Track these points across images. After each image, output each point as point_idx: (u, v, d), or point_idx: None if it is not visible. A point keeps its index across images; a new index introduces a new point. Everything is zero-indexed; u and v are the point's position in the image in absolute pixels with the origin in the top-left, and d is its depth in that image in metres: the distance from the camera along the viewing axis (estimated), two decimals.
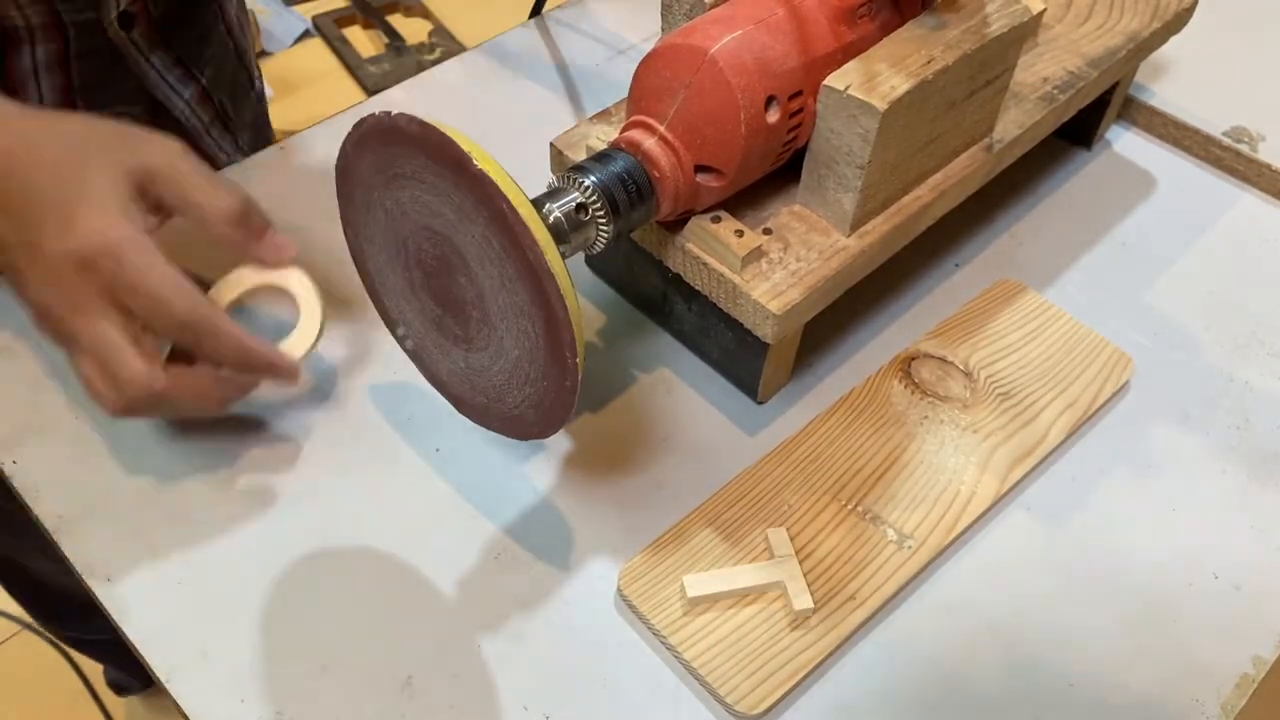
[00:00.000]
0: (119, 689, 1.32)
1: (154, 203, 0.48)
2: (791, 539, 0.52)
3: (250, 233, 0.51)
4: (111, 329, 0.46)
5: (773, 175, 0.55)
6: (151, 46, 0.68)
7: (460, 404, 0.51)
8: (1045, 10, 0.65)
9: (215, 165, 0.75)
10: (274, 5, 2.30)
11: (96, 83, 0.66)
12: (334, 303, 0.59)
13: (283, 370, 0.50)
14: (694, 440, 0.57)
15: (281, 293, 0.53)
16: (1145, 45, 0.66)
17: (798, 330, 0.56)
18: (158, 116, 0.71)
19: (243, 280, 0.53)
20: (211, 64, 0.74)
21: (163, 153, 0.48)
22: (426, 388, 0.53)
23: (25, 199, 0.45)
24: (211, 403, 0.50)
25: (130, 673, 1.29)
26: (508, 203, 0.39)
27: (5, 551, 0.92)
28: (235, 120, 0.77)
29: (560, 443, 0.56)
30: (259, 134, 0.82)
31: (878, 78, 0.50)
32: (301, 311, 0.53)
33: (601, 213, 0.48)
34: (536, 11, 0.81)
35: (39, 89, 0.63)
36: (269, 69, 2.18)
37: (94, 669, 1.33)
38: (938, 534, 0.53)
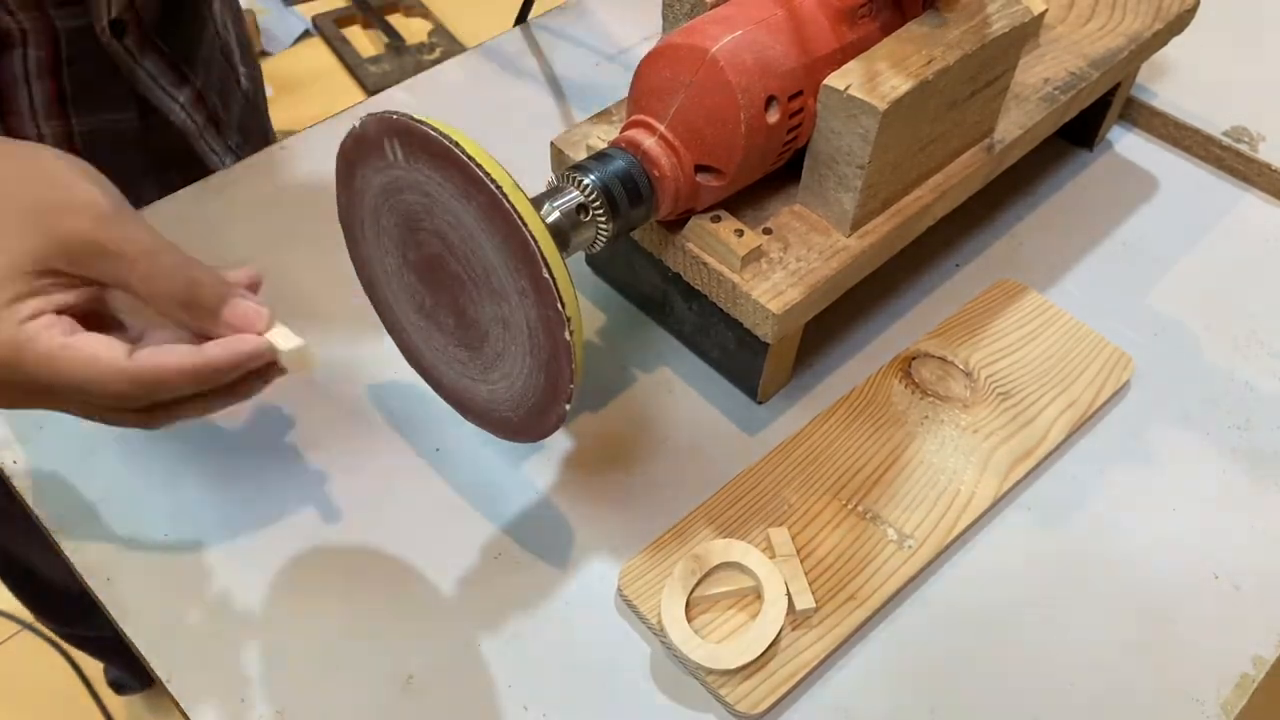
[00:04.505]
0: (119, 688, 1.32)
1: (85, 279, 0.41)
2: (792, 538, 0.52)
3: (204, 313, 0.42)
4: (58, 405, 0.42)
5: (773, 175, 0.55)
6: (143, 51, 0.68)
7: (458, 404, 0.51)
8: (1047, 11, 0.65)
9: (208, 168, 0.74)
10: (274, 5, 2.30)
11: (88, 89, 0.65)
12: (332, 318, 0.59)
13: (255, 357, 0.42)
14: (694, 440, 0.57)
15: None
16: (1147, 46, 0.66)
17: (798, 330, 0.56)
18: (150, 122, 0.70)
19: None
20: (203, 66, 0.73)
21: (81, 225, 0.39)
22: (426, 388, 0.53)
23: None
24: (220, 408, 0.44)
25: (131, 672, 1.29)
26: (508, 201, 0.39)
27: (7, 548, 0.92)
28: (225, 121, 0.77)
29: (560, 443, 0.56)
30: (246, 133, 0.82)
31: (878, 77, 0.50)
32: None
33: (601, 212, 0.48)
34: (522, 19, 0.81)
35: (30, 95, 0.63)
36: (269, 69, 2.18)
37: (94, 669, 1.33)
38: (938, 534, 0.53)
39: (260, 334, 0.43)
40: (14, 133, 0.64)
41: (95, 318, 0.42)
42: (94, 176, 0.42)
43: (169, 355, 0.41)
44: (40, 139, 0.65)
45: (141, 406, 0.42)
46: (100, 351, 0.40)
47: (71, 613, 1.06)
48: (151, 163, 0.72)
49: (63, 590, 0.97)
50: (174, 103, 0.71)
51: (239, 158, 0.78)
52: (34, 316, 0.39)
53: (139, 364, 0.40)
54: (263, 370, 0.44)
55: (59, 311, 0.40)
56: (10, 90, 0.62)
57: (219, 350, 0.41)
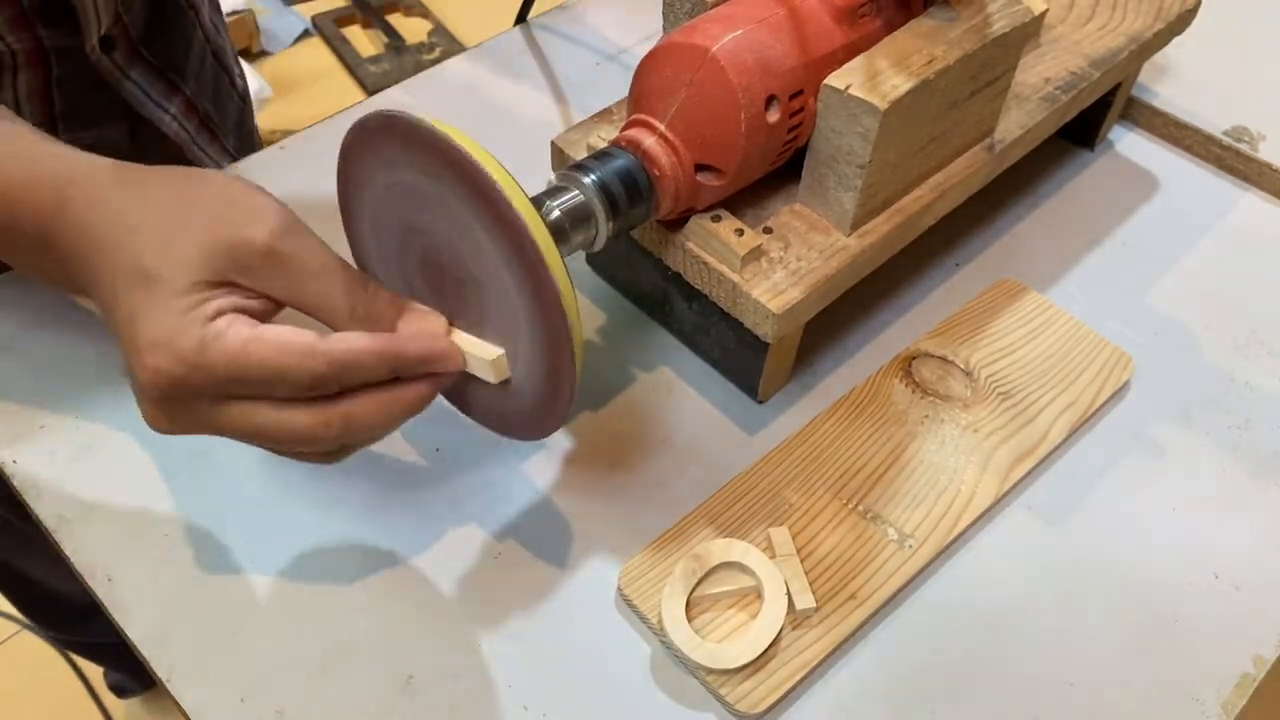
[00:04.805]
0: (120, 691, 1.32)
1: (260, 294, 0.41)
2: (792, 538, 0.52)
3: (382, 328, 0.42)
4: (241, 418, 0.40)
5: (773, 174, 0.55)
6: (131, 65, 0.67)
7: (459, 402, 0.51)
8: (1047, 10, 0.65)
9: None
10: (274, 5, 2.30)
11: (79, 107, 0.65)
12: None
13: (444, 359, 0.43)
14: (694, 440, 0.57)
15: None
16: (1148, 46, 0.66)
17: (798, 329, 0.56)
18: (141, 134, 0.69)
19: None
20: (194, 72, 0.73)
21: (259, 235, 0.39)
22: None
23: (104, 294, 0.40)
24: (402, 415, 0.43)
25: (131, 675, 1.28)
26: (507, 201, 0.39)
27: (4, 557, 0.92)
28: (220, 125, 0.77)
29: (560, 442, 0.56)
30: (243, 135, 0.81)
31: (879, 77, 0.50)
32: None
33: (601, 211, 0.48)
34: (522, 18, 0.81)
35: (20, 117, 0.63)
36: (269, 69, 2.18)
37: (94, 669, 1.33)
38: (938, 533, 0.53)
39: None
40: None
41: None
42: (267, 194, 0.42)
43: (361, 337, 0.40)
44: None
45: (326, 428, 0.40)
46: (292, 336, 0.39)
47: (70, 620, 1.06)
48: None
49: (63, 598, 0.97)
50: (165, 113, 0.70)
51: (236, 160, 0.78)
52: (217, 315, 0.39)
53: (332, 345, 0.39)
54: (444, 374, 0.43)
55: (240, 311, 0.40)
56: None
57: (411, 340, 0.42)
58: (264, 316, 0.41)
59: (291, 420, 0.40)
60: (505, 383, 0.45)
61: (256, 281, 0.40)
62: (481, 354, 0.44)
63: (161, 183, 0.41)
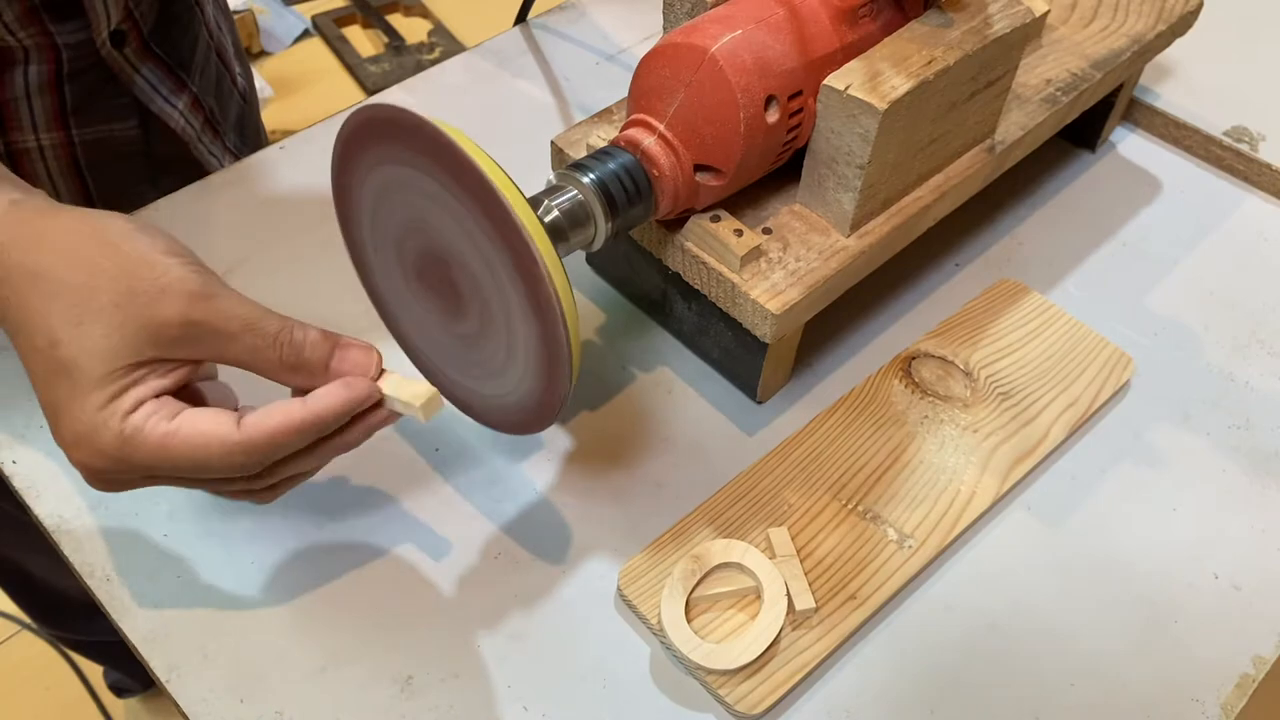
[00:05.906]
0: (119, 691, 1.32)
1: (182, 360, 0.41)
2: (792, 538, 0.52)
3: (314, 371, 0.42)
4: (175, 483, 0.42)
5: (773, 175, 0.55)
6: (142, 60, 0.68)
7: (458, 399, 0.51)
8: (1049, 11, 0.65)
9: (206, 171, 0.74)
10: (274, 5, 2.30)
11: (89, 101, 0.65)
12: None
13: (362, 400, 0.42)
14: (694, 440, 0.57)
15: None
16: (1150, 48, 0.66)
17: (797, 330, 0.56)
18: (150, 129, 0.70)
19: None
20: (199, 69, 0.73)
21: (176, 308, 0.39)
22: None
23: (23, 361, 0.40)
24: (333, 456, 0.44)
25: (130, 674, 1.28)
26: (503, 200, 0.39)
27: (6, 553, 0.92)
28: (222, 123, 0.77)
29: (560, 442, 0.56)
30: (244, 132, 0.82)
31: (878, 77, 0.50)
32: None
33: (600, 211, 0.48)
34: (522, 18, 0.81)
35: (31, 111, 0.63)
36: (269, 69, 2.18)
37: (94, 669, 1.33)
38: (938, 534, 0.53)
39: (373, 378, 0.43)
40: (15, 146, 0.64)
41: (188, 388, 0.43)
42: (174, 248, 0.41)
43: (276, 415, 0.40)
44: (40, 151, 0.65)
45: (257, 475, 0.42)
46: (209, 429, 0.39)
47: (70, 617, 1.06)
48: (150, 169, 0.72)
49: (61, 595, 0.97)
50: (173, 109, 0.71)
51: (237, 158, 0.78)
52: (135, 408, 0.39)
53: (248, 433, 0.40)
54: (373, 412, 0.44)
55: (159, 395, 0.40)
56: (11, 107, 0.62)
57: (325, 399, 0.41)
58: (188, 384, 0.41)
59: (222, 486, 0.42)
60: (461, 405, 0.47)
61: (178, 352, 0.40)
62: (409, 395, 0.43)
63: (63, 251, 0.40)
